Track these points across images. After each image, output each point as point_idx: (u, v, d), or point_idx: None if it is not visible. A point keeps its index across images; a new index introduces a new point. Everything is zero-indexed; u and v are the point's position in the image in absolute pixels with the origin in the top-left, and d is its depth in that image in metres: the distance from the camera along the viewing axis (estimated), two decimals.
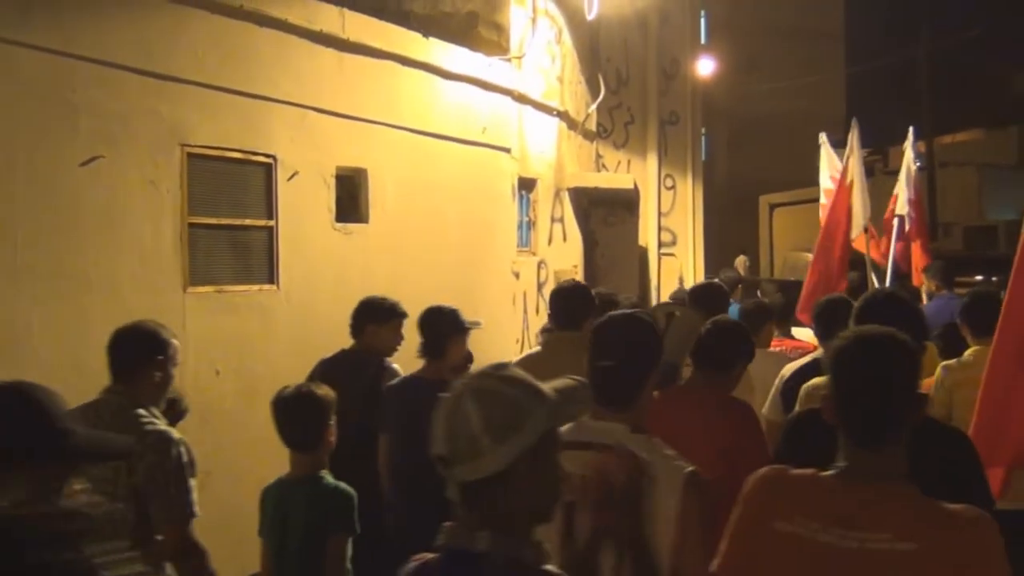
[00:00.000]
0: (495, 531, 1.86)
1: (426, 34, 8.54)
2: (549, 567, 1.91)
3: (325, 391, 3.98)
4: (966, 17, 29.26)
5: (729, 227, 29.67)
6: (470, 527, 1.88)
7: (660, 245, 15.67)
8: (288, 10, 6.78)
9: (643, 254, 14.81)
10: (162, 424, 3.64)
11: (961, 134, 31.07)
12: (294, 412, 3.91)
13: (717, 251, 22.77)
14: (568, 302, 4.75)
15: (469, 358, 5.11)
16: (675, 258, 15.78)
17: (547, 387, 1.95)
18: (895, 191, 9.68)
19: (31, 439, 2.28)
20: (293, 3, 6.87)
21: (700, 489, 2.66)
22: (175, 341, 3.85)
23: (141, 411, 3.60)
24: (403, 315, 5.59)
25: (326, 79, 7.21)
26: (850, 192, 8.29)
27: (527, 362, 4.60)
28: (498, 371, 1.94)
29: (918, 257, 9.50)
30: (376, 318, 5.49)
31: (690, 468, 2.68)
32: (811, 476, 2.35)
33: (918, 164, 8.84)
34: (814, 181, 34.35)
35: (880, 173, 30.73)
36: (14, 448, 2.26)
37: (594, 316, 4.04)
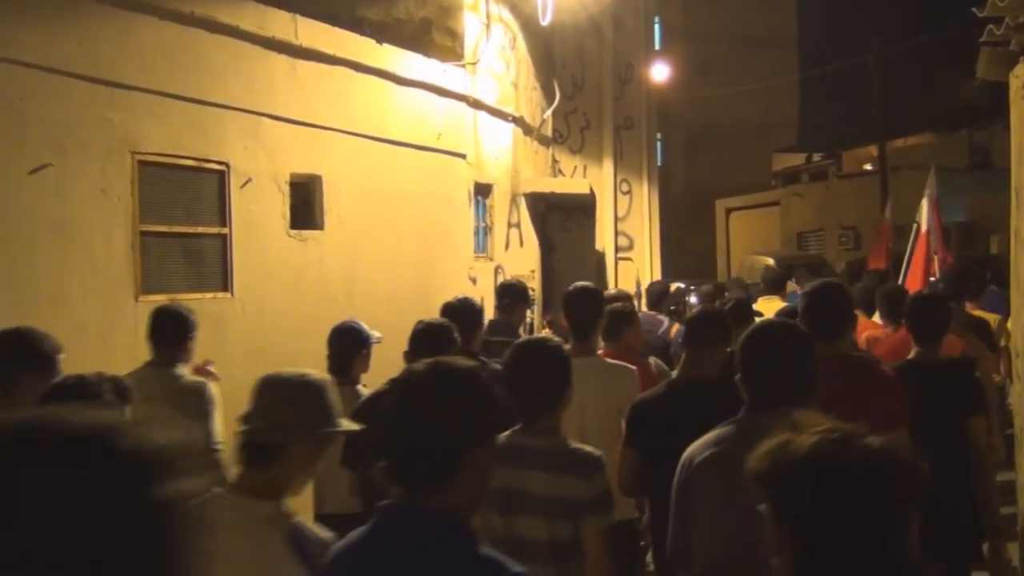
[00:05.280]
0: None
1: (380, 40, 8.53)
2: None
3: None
4: (915, 23, 29.72)
5: (686, 231, 29.90)
6: None
7: (617, 250, 15.72)
8: (240, 16, 6.74)
9: (600, 259, 14.86)
10: None
11: (912, 138, 31.52)
12: None
13: (674, 255, 22.93)
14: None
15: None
16: (632, 262, 15.84)
17: None
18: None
19: None
20: (245, 9, 6.84)
21: None
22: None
23: None
24: None
25: (279, 86, 7.18)
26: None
27: None
28: None
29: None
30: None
31: None
32: None
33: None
34: (769, 185, 34.50)
35: (834, 177, 31.14)
36: None
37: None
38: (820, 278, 5.21)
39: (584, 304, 5.11)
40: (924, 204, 10.01)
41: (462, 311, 5.47)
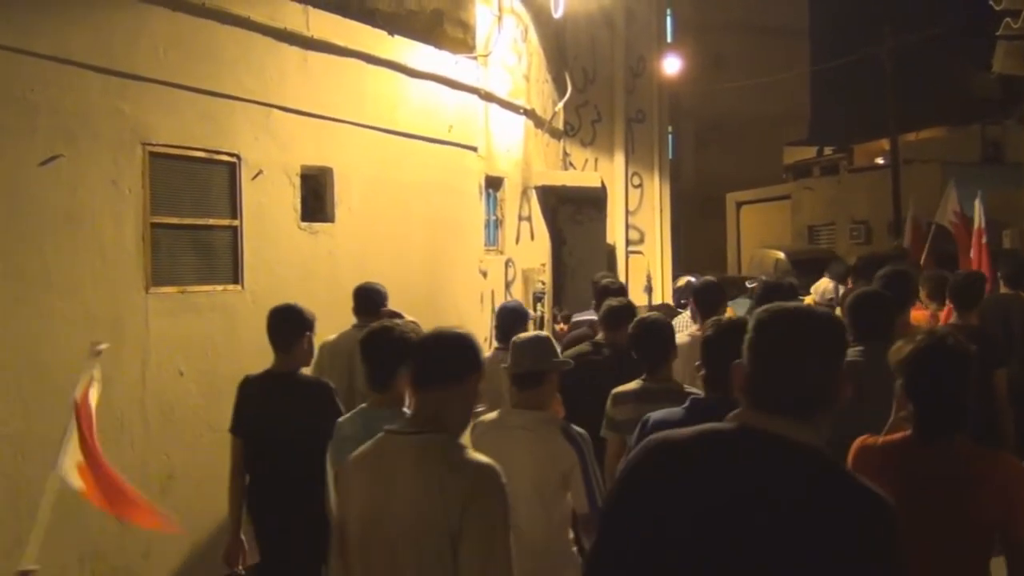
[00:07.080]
0: None
1: (391, 32, 8.51)
2: None
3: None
4: (929, 16, 29.56)
5: (697, 225, 29.82)
6: None
7: (628, 243, 15.71)
8: (251, 8, 6.72)
9: (611, 252, 14.83)
10: None
11: (924, 132, 31.36)
12: None
13: (685, 249, 22.87)
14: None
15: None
16: (643, 256, 15.82)
17: None
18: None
19: None
20: (256, 0, 6.81)
21: None
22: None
23: None
24: None
25: (290, 77, 7.16)
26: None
27: None
28: None
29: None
30: None
31: None
32: None
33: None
34: (780, 179, 34.20)
35: (845, 171, 31.01)
36: None
37: None
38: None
39: (712, 294, 6.69)
40: (977, 204, 10.99)
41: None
